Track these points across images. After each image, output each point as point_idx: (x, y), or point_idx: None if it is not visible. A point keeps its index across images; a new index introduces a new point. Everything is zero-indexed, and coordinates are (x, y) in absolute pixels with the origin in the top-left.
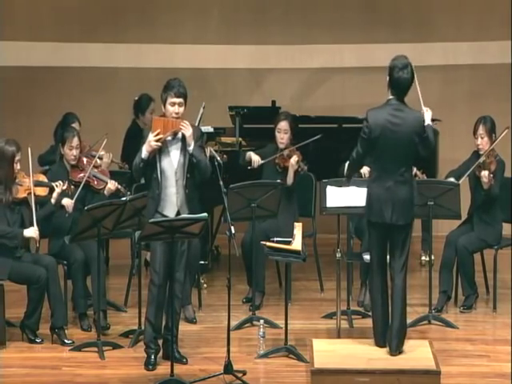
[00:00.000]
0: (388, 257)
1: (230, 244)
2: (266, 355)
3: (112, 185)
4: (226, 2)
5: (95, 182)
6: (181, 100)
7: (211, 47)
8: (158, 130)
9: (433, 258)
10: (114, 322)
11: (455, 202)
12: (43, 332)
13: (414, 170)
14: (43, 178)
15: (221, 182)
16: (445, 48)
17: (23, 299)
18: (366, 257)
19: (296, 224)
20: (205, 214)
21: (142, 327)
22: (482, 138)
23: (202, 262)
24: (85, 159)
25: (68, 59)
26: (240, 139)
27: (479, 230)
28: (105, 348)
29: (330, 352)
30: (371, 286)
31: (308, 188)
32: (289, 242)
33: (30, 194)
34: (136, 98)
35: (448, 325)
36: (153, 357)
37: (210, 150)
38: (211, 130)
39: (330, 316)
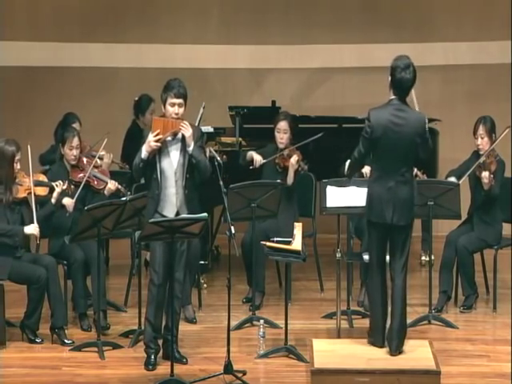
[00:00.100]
0: (388, 257)
1: (230, 244)
2: (266, 355)
3: (112, 185)
4: (226, 2)
5: (95, 182)
6: (180, 101)
7: (211, 47)
8: (158, 131)
9: (433, 258)
10: (114, 322)
11: (455, 202)
12: (43, 332)
13: (415, 170)
14: (43, 178)
15: (221, 182)
16: (445, 48)
17: (23, 299)
18: (366, 257)
19: (296, 224)
20: (205, 214)
21: (142, 327)
22: (482, 138)
23: (202, 262)
24: (85, 159)
25: (68, 59)
26: (240, 139)
27: (479, 230)
28: (105, 348)
29: (329, 352)
30: (370, 286)
31: (308, 188)
32: (289, 242)
33: (30, 193)
34: (136, 99)
35: (448, 325)
36: (153, 357)
37: (209, 150)
38: (211, 130)
39: (330, 316)
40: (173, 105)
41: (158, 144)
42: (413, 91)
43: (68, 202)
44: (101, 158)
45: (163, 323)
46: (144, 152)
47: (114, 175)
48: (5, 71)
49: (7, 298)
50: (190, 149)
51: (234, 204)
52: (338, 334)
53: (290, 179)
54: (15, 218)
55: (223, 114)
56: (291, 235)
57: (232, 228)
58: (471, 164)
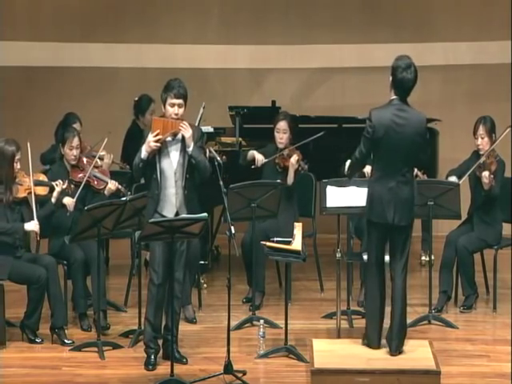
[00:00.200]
0: (388, 257)
1: (230, 244)
2: (266, 355)
3: (112, 185)
4: (226, 2)
5: (95, 182)
6: (180, 101)
7: (211, 47)
8: (158, 131)
9: (433, 258)
10: (114, 322)
11: (455, 202)
12: (43, 332)
13: (415, 170)
14: (43, 178)
15: (221, 182)
16: (445, 48)
17: (23, 299)
18: (366, 257)
19: (296, 224)
20: (205, 214)
21: (142, 327)
22: (482, 138)
23: (202, 262)
24: (85, 159)
25: (68, 59)
26: (240, 139)
27: (479, 230)
28: (105, 348)
29: (329, 352)
30: (368, 286)
31: (308, 188)
32: (289, 242)
33: (30, 193)
34: (136, 99)
35: (448, 325)
36: (153, 357)
37: (209, 150)
38: (211, 130)
39: (330, 316)
40: (172, 105)
41: (158, 144)
42: None
43: (69, 201)
44: (101, 159)
45: (163, 323)
46: (144, 152)
47: (114, 175)
48: (5, 71)
49: (7, 297)
50: (190, 149)
51: (234, 204)
52: (338, 334)
53: (290, 179)
54: (15, 217)
55: (223, 114)
56: (291, 235)
57: (232, 228)
58: (471, 164)
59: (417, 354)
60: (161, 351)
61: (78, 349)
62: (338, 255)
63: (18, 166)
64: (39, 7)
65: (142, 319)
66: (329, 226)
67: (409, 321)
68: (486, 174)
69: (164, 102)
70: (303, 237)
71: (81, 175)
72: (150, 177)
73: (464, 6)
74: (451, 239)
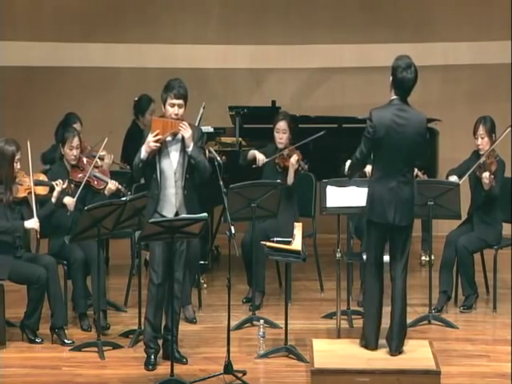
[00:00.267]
0: (388, 258)
1: (230, 244)
2: (266, 355)
3: (112, 185)
4: (226, 2)
5: (95, 182)
6: (180, 101)
7: (211, 47)
8: (157, 131)
9: (433, 258)
10: (114, 322)
11: (455, 202)
12: (43, 332)
13: (416, 170)
14: (43, 178)
15: (221, 182)
16: (445, 48)
17: (23, 299)
18: (365, 257)
19: (296, 224)
20: (205, 214)
21: (142, 327)
22: (482, 138)
23: (202, 262)
24: (85, 159)
25: (68, 59)
26: (240, 139)
27: (479, 229)
28: (105, 348)
29: (329, 352)
30: (367, 286)
31: (308, 188)
32: (289, 242)
33: (30, 193)
34: (136, 99)
35: (448, 325)
36: (153, 357)
37: (209, 150)
38: (211, 130)
39: (330, 316)
40: (172, 105)
41: (158, 144)
42: None
43: (69, 201)
44: (101, 159)
45: (163, 323)
46: (143, 152)
47: (114, 175)
48: (5, 71)
49: (7, 297)
50: (190, 149)
51: (234, 204)
52: (338, 334)
53: (290, 179)
54: (15, 217)
55: (223, 113)
56: (291, 235)
57: (232, 228)
58: (471, 164)
59: (417, 354)
60: (161, 351)
61: (78, 349)
62: (338, 255)
63: (18, 165)
64: (39, 7)
65: (142, 319)
66: (329, 226)
67: (409, 321)
68: (486, 174)
69: (164, 102)
70: (303, 237)
71: (81, 175)
72: (149, 177)
73: (464, 5)
74: (451, 239)
